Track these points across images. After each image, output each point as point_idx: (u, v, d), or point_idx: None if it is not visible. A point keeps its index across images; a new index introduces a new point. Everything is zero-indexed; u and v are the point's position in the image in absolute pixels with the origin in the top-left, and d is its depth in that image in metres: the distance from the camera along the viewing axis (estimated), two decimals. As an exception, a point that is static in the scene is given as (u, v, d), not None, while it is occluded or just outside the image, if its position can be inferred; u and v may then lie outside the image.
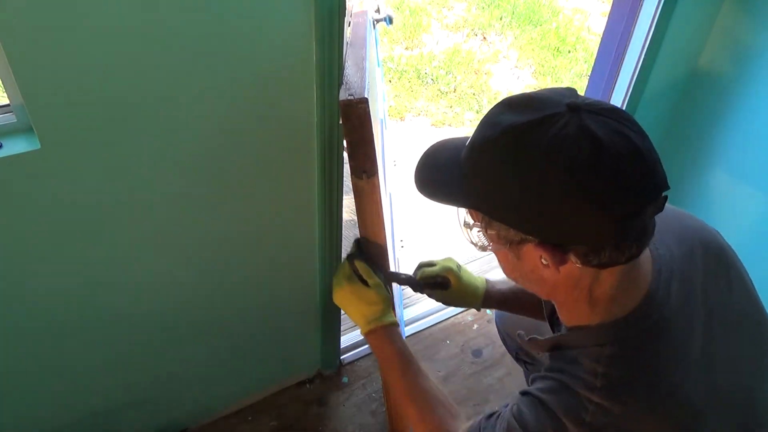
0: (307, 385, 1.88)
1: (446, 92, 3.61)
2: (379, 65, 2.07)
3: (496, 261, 0.80)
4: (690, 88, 2.00)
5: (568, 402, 0.72)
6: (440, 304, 2.12)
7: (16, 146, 1.00)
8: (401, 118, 3.39)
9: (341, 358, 1.94)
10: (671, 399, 0.70)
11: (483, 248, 0.77)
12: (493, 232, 0.71)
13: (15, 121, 1.01)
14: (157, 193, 1.19)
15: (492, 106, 0.71)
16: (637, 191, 0.62)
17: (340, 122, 1.06)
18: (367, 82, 1.10)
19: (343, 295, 1.12)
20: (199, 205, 1.26)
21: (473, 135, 0.71)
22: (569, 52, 4.05)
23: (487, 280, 1.22)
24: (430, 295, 1.22)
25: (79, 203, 1.11)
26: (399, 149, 3.11)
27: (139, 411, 1.58)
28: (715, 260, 0.81)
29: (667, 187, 0.64)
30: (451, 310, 2.14)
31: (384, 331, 1.08)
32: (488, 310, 2.16)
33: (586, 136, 0.61)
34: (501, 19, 4.32)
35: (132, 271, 1.28)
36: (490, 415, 0.84)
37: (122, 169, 1.11)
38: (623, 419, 0.70)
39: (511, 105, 0.68)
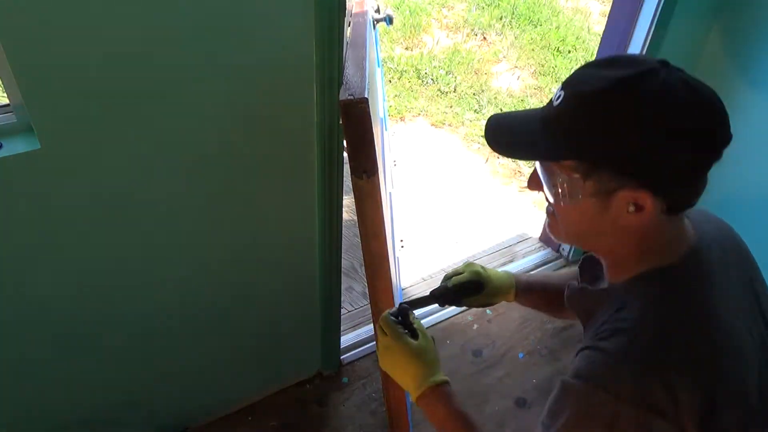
0: (307, 385, 1.88)
1: (446, 92, 3.61)
2: (379, 65, 2.07)
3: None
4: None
5: (619, 341, 0.76)
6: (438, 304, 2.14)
7: (16, 146, 1.00)
8: (401, 118, 3.39)
9: (341, 358, 1.94)
10: (720, 334, 0.76)
11: (558, 201, 0.80)
12: (590, 182, 0.75)
13: (15, 121, 1.02)
14: (156, 193, 1.19)
15: (576, 69, 0.77)
16: (724, 132, 0.71)
17: (340, 122, 1.06)
18: (367, 82, 1.09)
19: (392, 355, 1.01)
20: (199, 205, 1.26)
21: (572, 90, 0.75)
22: (569, 52, 4.05)
23: (511, 272, 1.20)
24: (468, 305, 1.17)
25: (78, 203, 1.11)
26: (399, 149, 3.11)
27: (140, 411, 1.58)
28: (740, 249, 0.89)
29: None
30: (451, 310, 2.14)
31: (437, 391, 0.98)
32: (488, 310, 2.16)
33: (687, 85, 0.71)
34: (501, 19, 4.32)
35: (131, 271, 1.28)
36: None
37: (122, 169, 1.11)
38: (676, 353, 0.74)
39: (605, 64, 0.74)
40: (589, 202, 0.76)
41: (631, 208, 0.74)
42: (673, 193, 0.74)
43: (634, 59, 0.74)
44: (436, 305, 1.20)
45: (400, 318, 1.05)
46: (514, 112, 0.85)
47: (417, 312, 1.07)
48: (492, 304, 1.19)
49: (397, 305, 1.09)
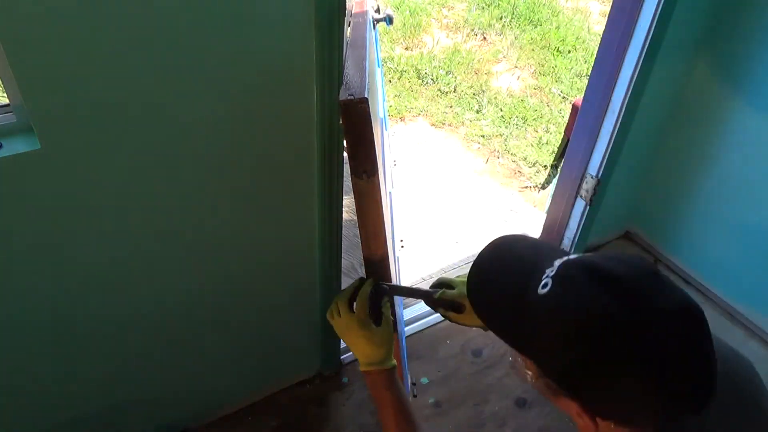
0: (307, 385, 1.88)
1: (446, 92, 3.61)
2: (379, 65, 2.07)
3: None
4: (690, 88, 2.00)
5: None
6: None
7: (16, 146, 1.00)
8: (401, 118, 3.39)
9: (341, 358, 1.94)
10: None
11: (521, 371, 0.78)
12: (543, 380, 0.72)
13: (15, 121, 1.02)
14: (156, 193, 1.19)
15: (585, 255, 0.70)
16: (705, 398, 0.64)
17: (340, 122, 1.06)
18: (367, 82, 1.09)
19: (350, 337, 1.09)
20: (199, 205, 1.26)
21: (556, 289, 0.68)
22: (569, 52, 4.05)
23: None
24: (443, 315, 1.19)
25: (78, 203, 1.11)
26: (399, 149, 3.11)
27: (140, 410, 1.58)
28: (739, 388, 0.81)
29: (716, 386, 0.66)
30: (451, 310, 2.13)
31: (382, 375, 1.07)
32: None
33: (680, 344, 0.62)
34: (501, 19, 4.32)
35: (132, 271, 1.28)
36: None
37: (121, 169, 1.11)
38: None
39: (601, 275, 0.66)
40: (544, 389, 0.73)
41: (580, 414, 0.70)
42: (624, 424, 0.69)
43: (637, 286, 0.64)
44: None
45: (373, 296, 1.11)
46: (505, 260, 0.80)
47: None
48: (463, 325, 1.20)
49: (365, 278, 1.13)
